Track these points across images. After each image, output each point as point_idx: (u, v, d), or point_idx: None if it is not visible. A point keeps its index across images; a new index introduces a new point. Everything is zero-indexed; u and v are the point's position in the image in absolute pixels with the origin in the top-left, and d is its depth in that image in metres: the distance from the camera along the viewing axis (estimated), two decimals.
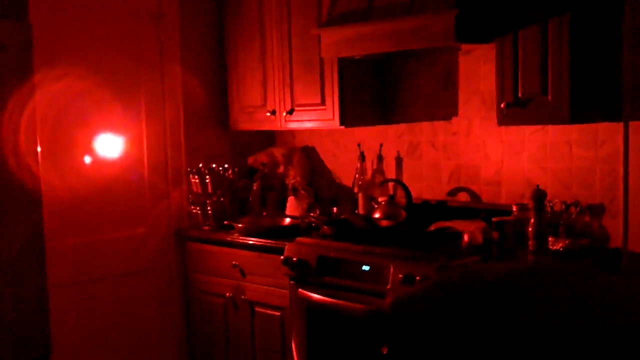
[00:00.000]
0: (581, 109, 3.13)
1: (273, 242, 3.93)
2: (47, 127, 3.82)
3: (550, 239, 3.28)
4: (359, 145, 4.22)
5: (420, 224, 3.71)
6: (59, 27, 4.00)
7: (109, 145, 4.28)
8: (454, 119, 3.95)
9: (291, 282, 3.76)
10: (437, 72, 4.00)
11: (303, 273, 3.69)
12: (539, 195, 3.24)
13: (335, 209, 4.18)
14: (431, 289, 1.28)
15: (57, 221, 3.88)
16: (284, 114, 4.29)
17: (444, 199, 3.98)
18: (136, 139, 4.40)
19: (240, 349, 4.15)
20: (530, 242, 3.23)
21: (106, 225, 4.28)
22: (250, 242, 4.05)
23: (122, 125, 4.34)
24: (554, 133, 3.55)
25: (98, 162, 4.23)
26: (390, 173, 4.12)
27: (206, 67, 4.65)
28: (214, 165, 4.46)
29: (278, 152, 4.69)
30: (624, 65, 3.21)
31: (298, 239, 3.83)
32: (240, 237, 4.12)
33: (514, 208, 3.41)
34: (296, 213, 4.41)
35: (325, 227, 3.87)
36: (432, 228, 3.66)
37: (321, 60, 4.02)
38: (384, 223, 3.76)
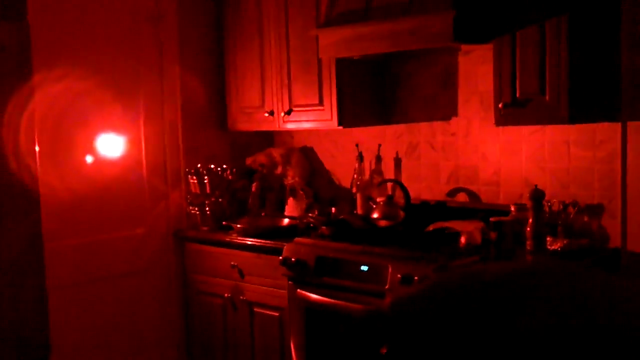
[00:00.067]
0: (579, 109, 3.13)
1: (272, 242, 3.93)
2: (46, 127, 3.82)
3: (548, 238, 3.29)
4: (357, 145, 4.22)
5: (418, 224, 3.71)
6: (59, 28, 4.01)
7: (108, 146, 4.28)
8: (453, 120, 3.95)
9: (290, 282, 3.77)
10: (436, 72, 4.00)
11: (302, 273, 3.69)
12: (537, 195, 3.24)
13: (333, 209, 4.18)
14: (430, 289, 1.28)
15: (56, 221, 3.88)
16: (282, 114, 4.29)
17: (442, 200, 3.99)
18: (135, 139, 4.40)
19: (239, 349, 4.16)
20: (528, 242, 3.24)
21: (105, 226, 4.28)
22: (249, 242, 4.05)
23: (121, 125, 4.34)
24: (552, 133, 3.56)
25: (97, 162, 4.23)
26: (389, 173, 4.13)
27: (205, 67, 4.66)
28: (212, 166, 4.46)
29: (276, 153, 4.69)
30: (623, 65, 3.21)
31: (296, 239, 3.83)
32: (239, 238, 4.12)
33: (512, 208, 3.42)
34: (295, 213, 4.41)
35: (324, 227, 3.88)
36: (430, 228, 3.67)
37: (319, 60, 4.02)
38: (383, 223, 3.76)
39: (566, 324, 1.10)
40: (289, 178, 4.59)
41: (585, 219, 3.41)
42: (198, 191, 4.44)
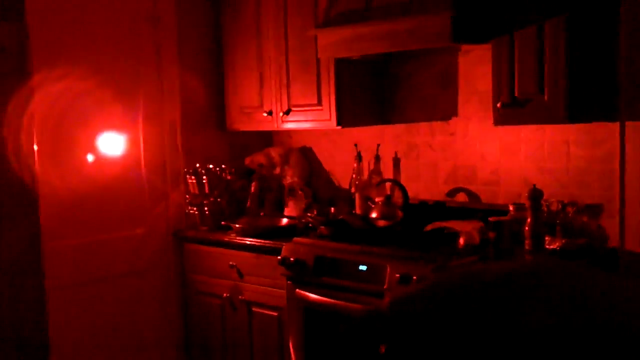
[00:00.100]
0: (578, 108, 3.13)
1: (270, 242, 3.94)
2: (45, 128, 3.81)
3: (547, 238, 3.29)
4: (355, 145, 4.23)
5: (417, 224, 3.71)
6: (58, 29, 4.01)
7: (108, 146, 4.29)
8: (452, 119, 3.96)
9: (288, 282, 3.77)
10: (435, 72, 4.01)
11: (300, 273, 3.70)
12: (536, 195, 3.24)
13: (332, 209, 4.19)
14: (429, 288, 1.28)
15: (56, 222, 3.88)
16: (281, 114, 4.29)
17: (441, 199, 3.99)
18: (134, 139, 4.40)
19: (238, 349, 4.16)
20: (527, 242, 3.24)
21: (104, 226, 4.28)
22: (248, 242, 4.06)
23: (120, 125, 4.34)
24: (551, 133, 3.56)
25: (96, 162, 4.23)
26: (388, 173, 4.13)
27: (203, 67, 4.66)
28: (210, 166, 4.46)
29: (275, 153, 4.70)
30: (621, 65, 3.21)
31: (295, 239, 3.84)
32: (238, 238, 4.13)
33: (511, 208, 3.42)
34: (293, 213, 4.41)
35: (323, 227, 3.88)
36: (429, 228, 3.67)
37: (318, 60, 4.03)
38: (381, 223, 3.76)
39: (566, 324, 1.11)
40: (288, 178, 4.59)
41: (584, 218, 3.41)
42: (197, 191, 4.45)
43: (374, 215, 3.80)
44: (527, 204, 3.26)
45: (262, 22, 4.35)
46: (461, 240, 3.33)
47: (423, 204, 3.99)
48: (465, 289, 1.22)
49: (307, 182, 4.62)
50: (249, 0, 4.41)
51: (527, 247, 3.24)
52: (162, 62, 4.48)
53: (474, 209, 3.74)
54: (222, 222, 4.31)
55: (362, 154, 4.18)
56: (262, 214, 4.50)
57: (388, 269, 3.31)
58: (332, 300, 3.54)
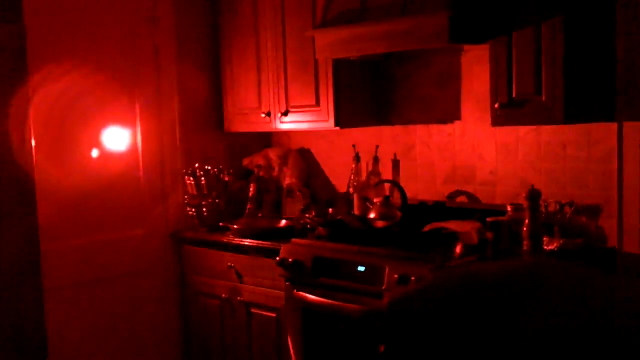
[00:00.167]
0: (575, 109, 3.13)
1: (269, 243, 3.93)
2: (43, 129, 3.82)
3: (545, 238, 3.29)
4: (354, 146, 4.23)
5: (415, 224, 3.71)
6: (56, 30, 4.00)
7: (106, 147, 4.29)
8: (449, 120, 3.96)
9: (287, 283, 3.77)
10: (432, 73, 4.01)
11: (299, 274, 3.70)
12: (534, 195, 3.24)
13: (330, 210, 4.19)
14: (428, 288, 1.28)
15: (54, 223, 3.88)
16: (279, 115, 4.29)
17: (439, 200, 3.99)
18: (133, 140, 4.41)
19: (237, 350, 4.16)
20: (525, 242, 3.24)
21: (103, 227, 4.28)
22: (246, 243, 4.05)
23: (118, 127, 4.34)
24: (549, 133, 3.56)
25: (95, 164, 4.23)
26: (387, 174, 4.13)
27: (201, 69, 4.66)
28: (207, 167, 4.46)
29: (273, 154, 4.70)
30: (618, 65, 3.22)
31: (294, 240, 3.83)
32: (236, 239, 4.13)
33: (509, 208, 3.42)
34: (292, 214, 4.41)
35: (321, 228, 3.88)
36: (427, 229, 3.67)
37: (316, 61, 4.03)
38: (379, 224, 3.76)
39: (567, 324, 1.11)
40: (286, 179, 4.59)
41: (583, 219, 3.41)
42: (195, 192, 4.45)
43: (372, 215, 3.80)
44: (525, 204, 3.26)
45: (260, 23, 4.36)
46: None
47: (421, 204, 3.99)
48: (464, 289, 1.22)
49: (305, 183, 4.62)
50: (247, 1, 4.42)
51: (525, 247, 3.24)
52: (160, 62, 4.48)
53: (472, 209, 3.74)
54: (221, 223, 4.31)
55: (360, 154, 4.18)
56: (260, 215, 4.50)
57: (386, 270, 3.31)
58: (331, 301, 3.54)
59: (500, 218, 3.31)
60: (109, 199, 4.31)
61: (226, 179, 4.52)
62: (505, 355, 1.12)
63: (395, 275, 3.24)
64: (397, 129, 4.19)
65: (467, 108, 3.88)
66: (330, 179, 4.61)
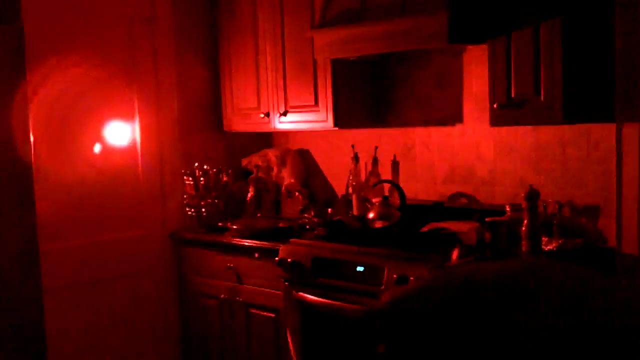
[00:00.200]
0: (574, 109, 3.13)
1: (268, 243, 3.93)
2: (42, 130, 3.82)
3: (543, 239, 3.29)
4: (352, 146, 4.23)
5: (414, 224, 3.71)
6: (53, 30, 4.00)
7: (104, 148, 4.29)
8: (448, 120, 3.96)
9: (286, 283, 3.77)
10: (431, 73, 4.01)
11: (298, 274, 3.70)
12: (533, 196, 3.24)
13: (329, 210, 4.19)
14: (427, 288, 1.28)
15: (53, 224, 3.88)
16: (278, 115, 4.29)
17: (438, 200, 3.99)
18: (131, 141, 4.41)
19: (236, 350, 4.16)
20: (523, 242, 3.24)
21: (102, 228, 4.28)
22: (245, 244, 4.05)
23: (116, 127, 4.34)
24: (547, 133, 3.56)
25: (93, 164, 4.23)
26: (386, 175, 4.13)
27: (200, 69, 4.67)
28: (206, 167, 4.46)
29: (272, 154, 4.70)
30: (617, 66, 3.22)
31: (292, 240, 3.84)
32: (235, 239, 4.13)
33: (508, 208, 3.42)
34: (291, 215, 4.41)
35: (320, 228, 3.88)
36: (426, 229, 3.67)
37: (314, 61, 4.03)
38: (378, 224, 3.76)
39: (567, 324, 1.10)
40: (285, 179, 4.59)
41: (582, 219, 3.41)
42: (194, 192, 4.45)
43: (371, 216, 3.80)
44: (524, 204, 3.26)
45: (259, 23, 4.36)
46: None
47: (420, 204, 3.99)
48: (463, 288, 1.22)
49: (304, 184, 4.62)
50: (246, 1, 4.42)
51: (524, 247, 3.24)
52: (159, 63, 4.48)
53: (471, 209, 3.74)
54: (220, 224, 4.31)
55: (359, 155, 4.18)
56: (259, 215, 4.50)
57: (386, 270, 3.31)
58: (330, 301, 3.54)
59: (499, 218, 3.31)
60: (108, 199, 4.31)
61: (225, 179, 4.52)
62: (505, 356, 1.12)
63: (394, 276, 3.24)
64: (396, 129, 4.19)
65: (466, 108, 3.88)
66: (330, 180, 4.61)
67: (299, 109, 4.19)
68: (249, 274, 4.05)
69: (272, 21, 4.28)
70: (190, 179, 4.45)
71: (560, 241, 3.29)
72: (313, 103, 4.10)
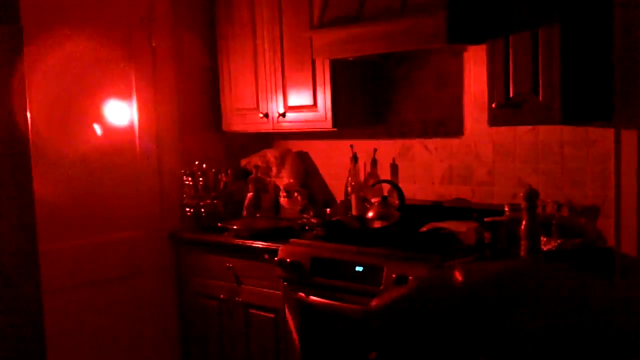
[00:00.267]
0: (572, 109, 3.14)
1: (267, 244, 3.93)
2: (41, 131, 3.82)
3: (542, 238, 3.29)
4: (351, 146, 4.23)
5: (413, 224, 3.72)
6: (51, 32, 4.00)
7: (103, 149, 4.29)
8: (447, 120, 3.96)
9: (285, 283, 3.77)
10: (430, 73, 4.01)
11: (297, 274, 3.70)
12: (531, 195, 3.24)
13: (328, 210, 4.19)
14: (427, 287, 1.29)
15: (52, 224, 3.88)
16: (277, 116, 4.30)
17: (437, 200, 3.99)
18: (130, 141, 4.41)
19: (235, 351, 4.16)
20: (522, 242, 3.24)
21: (101, 228, 4.29)
22: (244, 244, 4.05)
23: (115, 128, 4.34)
24: (546, 133, 3.56)
25: (92, 164, 4.23)
26: (384, 175, 4.13)
27: (199, 69, 4.67)
28: (204, 166, 4.46)
29: (271, 155, 4.70)
30: (615, 66, 3.22)
31: (292, 240, 3.84)
32: (234, 240, 4.13)
33: (507, 208, 3.42)
34: (290, 215, 4.41)
35: (319, 228, 3.89)
36: (425, 229, 3.67)
37: (313, 62, 4.03)
38: (377, 224, 3.76)
39: (566, 324, 1.11)
40: (284, 180, 4.59)
41: (580, 219, 3.41)
42: (193, 193, 4.45)
43: (370, 216, 3.81)
44: (523, 204, 3.26)
45: (257, 24, 4.36)
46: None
47: (419, 204, 3.99)
48: (463, 288, 1.22)
49: (302, 184, 4.63)
50: (244, 2, 4.42)
51: (523, 247, 3.24)
52: (157, 63, 4.48)
53: (469, 209, 3.74)
54: (219, 224, 4.31)
55: (358, 155, 4.18)
56: (258, 215, 4.50)
57: (385, 270, 3.31)
58: (329, 301, 3.54)
59: (498, 218, 3.31)
60: (106, 200, 4.31)
61: (224, 179, 4.52)
62: (505, 356, 1.12)
63: (394, 275, 3.24)
64: (395, 129, 4.19)
65: (465, 108, 3.88)
66: (328, 180, 4.61)
67: (298, 109, 4.19)
68: (248, 274, 4.05)
69: (270, 21, 4.28)
70: (190, 179, 4.45)
71: (559, 241, 3.29)
72: (312, 103, 4.10)
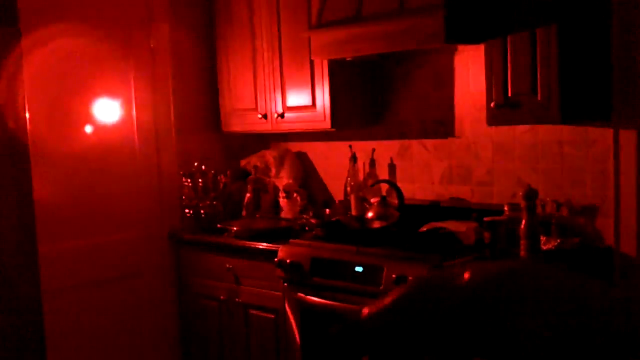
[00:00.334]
0: (571, 108, 3.14)
1: (266, 244, 3.94)
2: (40, 131, 3.82)
3: (542, 238, 3.29)
4: (350, 146, 4.23)
5: (412, 224, 3.72)
6: (50, 34, 4.00)
7: (102, 149, 4.29)
8: (446, 120, 3.96)
9: (285, 284, 3.77)
10: (428, 73, 4.01)
11: (297, 275, 3.70)
12: (531, 195, 3.25)
13: (328, 210, 4.19)
14: (426, 287, 1.29)
15: (52, 225, 3.88)
16: (276, 116, 4.30)
17: (436, 200, 3.99)
18: (129, 142, 4.41)
19: (235, 351, 4.16)
20: (522, 242, 3.24)
21: (100, 229, 4.29)
22: (244, 244, 4.05)
23: (114, 128, 4.35)
24: (545, 133, 3.57)
25: (91, 165, 4.23)
26: (383, 175, 4.13)
27: (197, 70, 4.67)
28: (203, 167, 4.47)
29: (270, 155, 4.70)
30: (614, 65, 3.22)
31: (291, 241, 3.84)
32: (234, 240, 4.13)
33: (506, 208, 3.42)
34: (289, 215, 4.42)
35: (319, 228, 3.89)
36: (424, 229, 3.67)
37: (312, 62, 4.03)
38: (377, 224, 3.76)
39: (565, 324, 1.11)
40: (283, 180, 4.59)
41: (580, 218, 3.42)
42: (192, 193, 4.45)
43: (369, 216, 3.81)
44: (522, 204, 3.26)
45: (256, 24, 4.36)
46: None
47: (419, 204, 3.99)
48: (464, 288, 1.22)
49: (302, 184, 4.63)
50: (243, 2, 4.42)
51: (522, 247, 3.24)
52: (156, 63, 4.48)
53: (469, 209, 3.75)
54: (218, 225, 4.31)
55: (357, 155, 4.18)
56: (258, 216, 4.50)
57: (384, 270, 3.31)
58: (329, 302, 3.55)
59: (498, 218, 3.31)
60: (106, 201, 4.31)
61: (224, 180, 4.52)
62: (505, 356, 1.12)
63: (393, 275, 3.24)
64: (394, 129, 4.19)
65: (463, 107, 3.88)
66: (327, 181, 4.61)
67: (297, 109, 4.19)
68: (248, 274, 4.05)
69: (268, 21, 4.28)
70: (189, 180, 4.45)
71: (558, 240, 3.29)
72: (310, 104, 4.10)
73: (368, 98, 4.20)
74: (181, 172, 4.50)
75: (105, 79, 4.30)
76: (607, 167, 3.34)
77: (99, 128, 4.28)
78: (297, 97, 4.17)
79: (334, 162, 4.53)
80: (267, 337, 3.97)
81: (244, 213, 4.52)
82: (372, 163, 4.15)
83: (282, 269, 3.74)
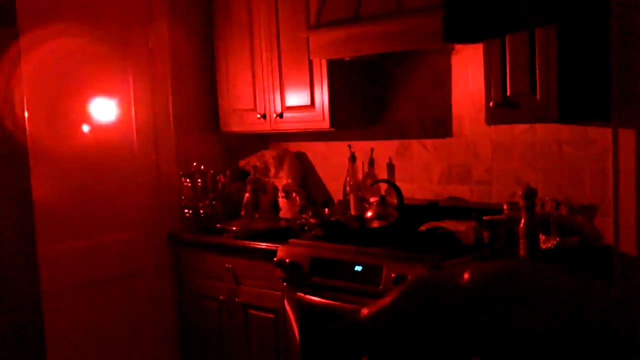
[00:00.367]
0: (570, 107, 3.14)
1: (266, 244, 3.94)
2: (39, 131, 3.82)
3: (541, 237, 3.30)
4: (349, 146, 4.23)
5: (412, 224, 3.72)
6: (48, 34, 4.00)
7: (101, 149, 4.29)
8: (445, 119, 3.96)
9: (284, 283, 3.77)
10: (427, 73, 4.01)
11: (296, 275, 3.70)
12: (530, 194, 3.25)
13: (327, 210, 4.19)
14: (426, 288, 1.29)
15: (52, 225, 3.89)
16: (274, 116, 4.30)
17: (435, 199, 4.00)
18: (128, 142, 4.41)
19: (235, 351, 4.16)
20: (521, 241, 3.24)
21: (100, 229, 4.29)
22: (243, 244, 4.06)
23: (113, 128, 4.35)
24: (544, 132, 3.57)
25: (90, 165, 4.24)
26: (382, 175, 4.13)
27: (196, 70, 4.67)
28: (202, 167, 4.47)
29: (269, 155, 4.70)
30: (613, 65, 3.23)
31: (291, 240, 3.84)
32: (233, 240, 4.13)
33: (505, 207, 3.42)
34: (288, 215, 4.42)
35: (318, 228, 3.89)
36: (423, 228, 3.68)
37: (310, 62, 4.03)
38: (376, 224, 3.76)
39: (565, 324, 1.11)
40: (282, 180, 4.59)
41: (579, 217, 3.42)
42: (192, 194, 4.45)
43: (368, 215, 3.81)
44: (521, 203, 3.26)
45: (254, 24, 4.36)
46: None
47: (417, 204, 3.99)
48: (463, 288, 1.22)
49: (301, 184, 4.63)
50: (242, 2, 4.42)
51: (521, 246, 3.24)
52: (155, 64, 4.49)
53: (468, 208, 3.75)
54: (218, 225, 4.31)
55: (356, 155, 4.18)
56: (257, 216, 4.50)
57: (384, 269, 3.32)
58: (329, 301, 3.55)
59: (497, 217, 3.31)
60: (105, 201, 4.31)
61: (223, 180, 4.53)
62: (505, 356, 1.12)
63: (393, 275, 3.25)
64: (393, 129, 4.20)
65: (463, 107, 3.88)
66: (326, 180, 4.61)
67: (296, 109, 4.20)
68: (247, 274, 4.05)
69: (267, 21, 4.28)
70: (188, 180, 4.45)
71: (557, 239, 3.29)
72: (309, 104, 4.10)
73: (367, 98, 4.20)
74: (180, 172, 4.50)
75: (104, 79, 4.30)
76: (606, 166, 3.35)
77: (98, 128, 4.29)
78: (296, 97, 4.18)
79: (333, 162, 4.53)
80: (266, 337, 3.97)
81: (243, 213, 4.52)
82: (371, 163, 4.16)
83: (281, 268, 3.74)
